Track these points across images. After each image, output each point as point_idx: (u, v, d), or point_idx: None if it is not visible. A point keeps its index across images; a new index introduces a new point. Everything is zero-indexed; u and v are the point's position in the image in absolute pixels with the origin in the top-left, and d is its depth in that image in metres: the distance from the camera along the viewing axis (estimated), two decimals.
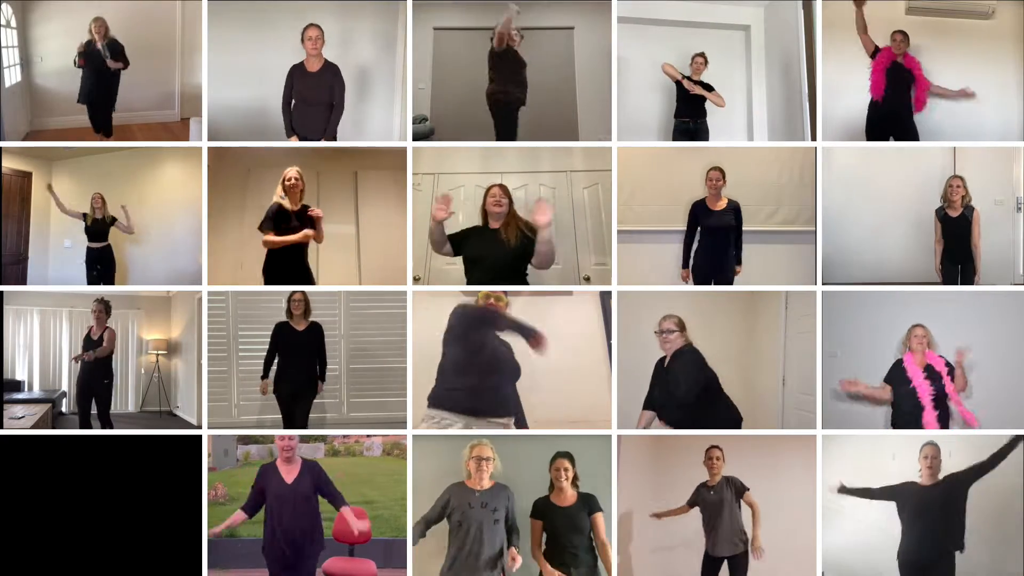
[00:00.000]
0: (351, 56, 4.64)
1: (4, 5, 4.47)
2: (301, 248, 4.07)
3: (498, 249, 3.82)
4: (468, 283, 3.91)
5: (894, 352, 3.99)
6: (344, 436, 5.02)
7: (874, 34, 4.36)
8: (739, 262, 4.42)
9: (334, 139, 4.27)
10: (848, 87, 4.37)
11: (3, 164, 4.23)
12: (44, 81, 4.67)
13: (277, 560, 3.49)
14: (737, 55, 5.04)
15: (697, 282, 4.41)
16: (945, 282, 4.28)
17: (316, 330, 4.34)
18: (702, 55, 4.70)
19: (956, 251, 4.26)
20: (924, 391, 3.85)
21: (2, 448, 3.82)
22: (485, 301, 3.63)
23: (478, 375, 3.45)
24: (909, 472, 3.88)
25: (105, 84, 4.46)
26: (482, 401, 3.45)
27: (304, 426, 4.27)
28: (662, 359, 3.96)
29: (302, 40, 4.21)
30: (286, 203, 4.01)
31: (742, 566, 3.85)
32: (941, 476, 3.68)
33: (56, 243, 4.77)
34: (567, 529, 3.45)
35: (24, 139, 4.53)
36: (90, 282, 4.54)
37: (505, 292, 3.71)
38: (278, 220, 3.99)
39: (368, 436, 5.05)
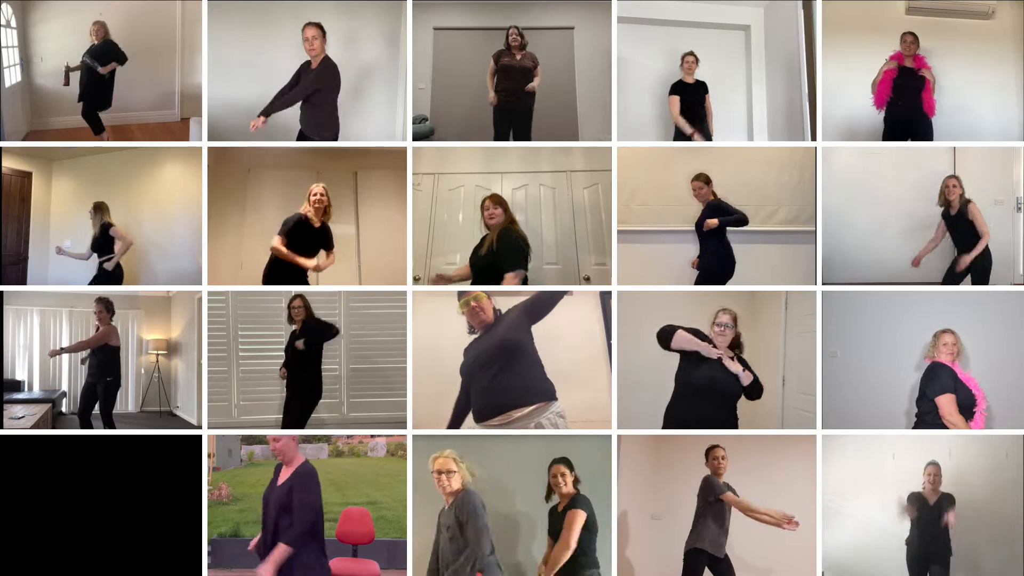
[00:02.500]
0: (352, 56, 4.64)
1: (4, 5, 4.47)
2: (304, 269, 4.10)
3: (489, 253, 3.88)
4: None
5: (916, 359, 3.95)
6: (348, 437, 5.02)
7: (875, 34, 4.36)
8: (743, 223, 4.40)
9: (267, 115, 4.17)
10: (848, 87, 4.37)
11: (3, 164, 4.23)
12: (44, 81, 4.67)
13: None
14: (737, 55, 5.04)
15: (697, 281, 4.41)
16: (946, 275, 4.30)
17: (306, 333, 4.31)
18: (692, 54, 4.65)
19: (962, 246, 4.27)
20: (980, 395, 3.73)
21: (2, 448, 3.82)
22: (466, 308, 3.62)
23: (487, 379, 3.47)
24: (908, 472, 3.91)
25: (96, 85, 4.46)
26: (508, 400, 3.43)
27: (302, 426, 4.27)
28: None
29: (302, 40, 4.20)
30: (310, 218, 4.07)
31: (730, 573, 3.83)
32: (946, 489, 3.90)
33: (56, 243, 4.77)
34: (553, 532, 3.45)
35: (24, 139, 4.53)
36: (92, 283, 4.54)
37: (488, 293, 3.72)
38: (295, 231, 4.03)
39: (372, 436, 5.05)
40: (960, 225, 4.29)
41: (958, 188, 4.24)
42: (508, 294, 3.79)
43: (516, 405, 3.37)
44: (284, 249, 4.00)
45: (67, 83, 4.46)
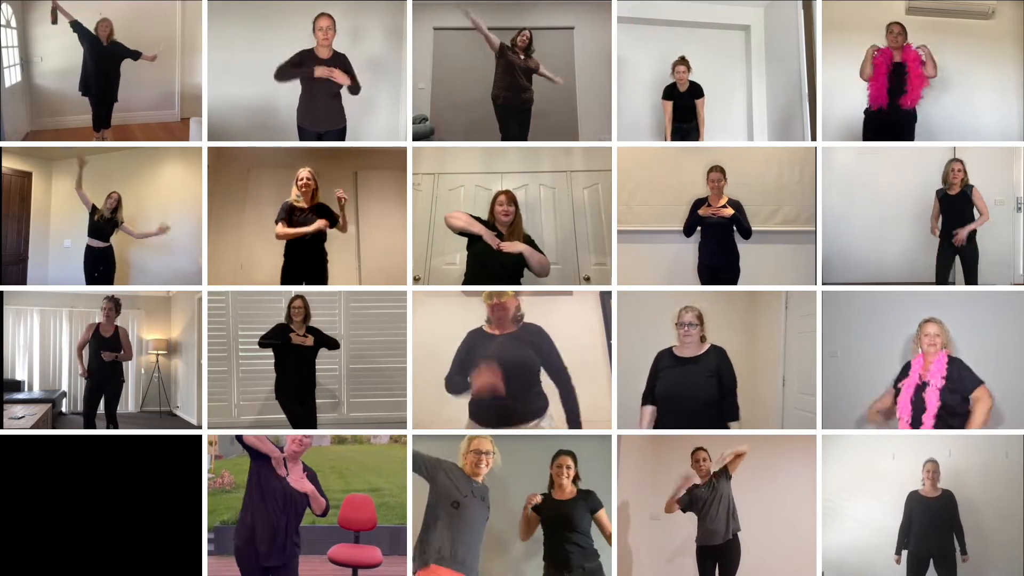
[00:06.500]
0: (355, 55, 4.63)
1: (4, 5, 4.47)
2: (318, 243, 4.17)
3: (501, 255, 3.87)
4: (466, 278, 3.96)
5: (901, 351, 3.96)
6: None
7: (875, 34, 4.35)
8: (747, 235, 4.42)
9: (357, 90, 4.35)
10: (848, 87, 4.36)
11: (3, 164, 4.23)
12: (44, 81, 4.67)
13: (251, 563, 3.38)
14: (737, 55, 5.04)
15: (702, 279, 4.41)
16: (938, 268, 4.30)
17: (313, 335, 4.31)
18: (683, 61, 4.63)
19: (955, 225, 4.27)
20: (905, 409, 3.75)
21: (2, 448, 3.82)
22: (491, 300, 3.65)
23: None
24: (908, 471, 3.91)
25: (104, 74, 4.46)
26: (507, 413, 3.56)
27: (314, 426, 4.27)
28: (668, 351, 3.91)
29: (313, 30, 4.21)
30: (299, 203, 4.16)
31: (734, 554, 3.85)
32: (941, 485, 3.89)
33: (56, 243, 4.77)
34: (562, 522, 3.44)
35: (24, 139, 4.53)
36: (90, 283, 4.54)
37: (515, 292, 3.76)
38: (290, 218, 4.16)
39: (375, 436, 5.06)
40: (956, 206, 4.28)
41: (961, 173, 4.25)
42: (531, 294, 3.87)
43: (519, 421, 3.58)
44: (288, 228, 4.12)
45: (55, 21, 4.41)
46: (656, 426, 3.87)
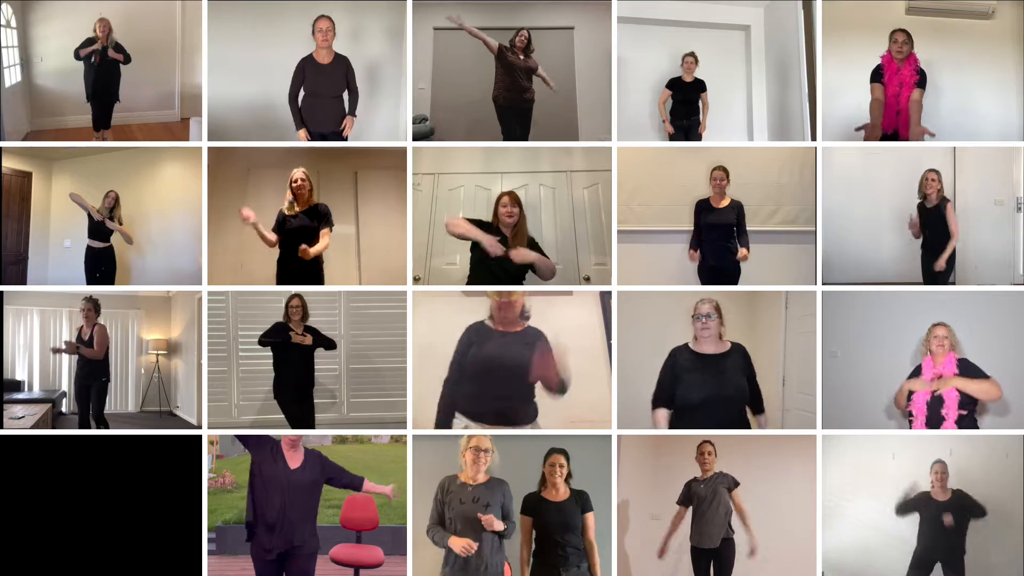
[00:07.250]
0: (356, 54, 4.65)
1: (4, 5, 4.47)
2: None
3: (504, 259, 3.83)
4: (469, 280, 3.93)
5: (901, 351, 3.96)
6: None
7: (875, 34, 4.35)
8: (746, 247, 4.41)
9: (354, 115, 4.34)
10: (848, 87, 4.37)
11: (3, 164, 4.23)
12: (44, 81, 4.67)
13: (260, 557, 3.37)
14: (737, 55, 5.04)
15: (702, 280, 4.41)
16: (924, 275, 4.29)
17: (311, 334, 4.31)
18: (692, 55, 4.73)
19: (933, 242, 4.26)
20: (920, 410, 3.74)
21: (2, 448, 3.82)
22: (497, 299, 3.63)
23: (486, 386, 3.52)
24: (908, 471, 3.91)
25: (106, 78, 4.47)
26: (501, 412, 3.52)
27: (312, 425, 4.27)
28: (684, 348, 3.73)
29: (312, 32, 4.23)
30: (290, 210, 4.12)
31: (728, 556, 3.85)
32: (951, 486, 3.88)
33: (56, 243, 4.77)
34: (558, 525, 3.38)
35: (24, 139, 4.53)
36: (90, 283, 4.54)
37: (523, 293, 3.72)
38: (282, 225, 4.14)
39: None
40: (933, 221, 4.25)
41: (936, 183, 4.19)
42: (530, 294, 3.82)
43: (513, 423, 3.53)
44: (262, 232, 4.07)
45: (80, 57, 4.44)
46: (677, 427, 3.68)
